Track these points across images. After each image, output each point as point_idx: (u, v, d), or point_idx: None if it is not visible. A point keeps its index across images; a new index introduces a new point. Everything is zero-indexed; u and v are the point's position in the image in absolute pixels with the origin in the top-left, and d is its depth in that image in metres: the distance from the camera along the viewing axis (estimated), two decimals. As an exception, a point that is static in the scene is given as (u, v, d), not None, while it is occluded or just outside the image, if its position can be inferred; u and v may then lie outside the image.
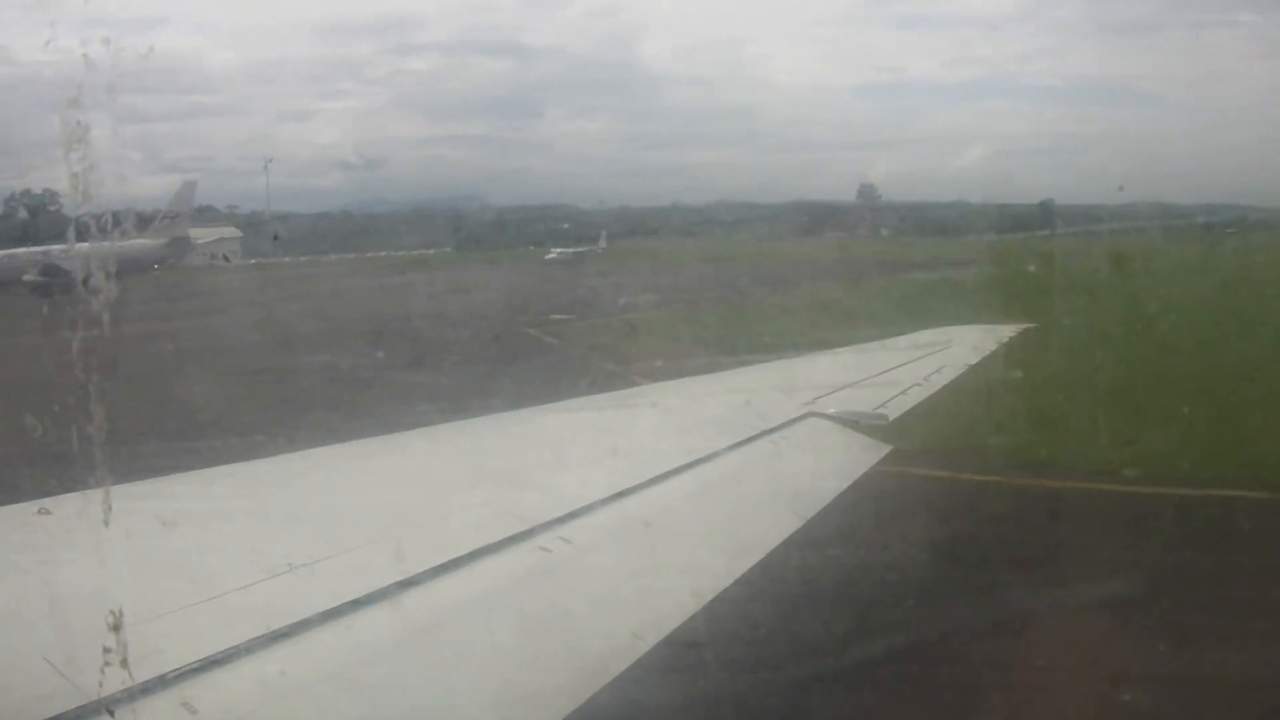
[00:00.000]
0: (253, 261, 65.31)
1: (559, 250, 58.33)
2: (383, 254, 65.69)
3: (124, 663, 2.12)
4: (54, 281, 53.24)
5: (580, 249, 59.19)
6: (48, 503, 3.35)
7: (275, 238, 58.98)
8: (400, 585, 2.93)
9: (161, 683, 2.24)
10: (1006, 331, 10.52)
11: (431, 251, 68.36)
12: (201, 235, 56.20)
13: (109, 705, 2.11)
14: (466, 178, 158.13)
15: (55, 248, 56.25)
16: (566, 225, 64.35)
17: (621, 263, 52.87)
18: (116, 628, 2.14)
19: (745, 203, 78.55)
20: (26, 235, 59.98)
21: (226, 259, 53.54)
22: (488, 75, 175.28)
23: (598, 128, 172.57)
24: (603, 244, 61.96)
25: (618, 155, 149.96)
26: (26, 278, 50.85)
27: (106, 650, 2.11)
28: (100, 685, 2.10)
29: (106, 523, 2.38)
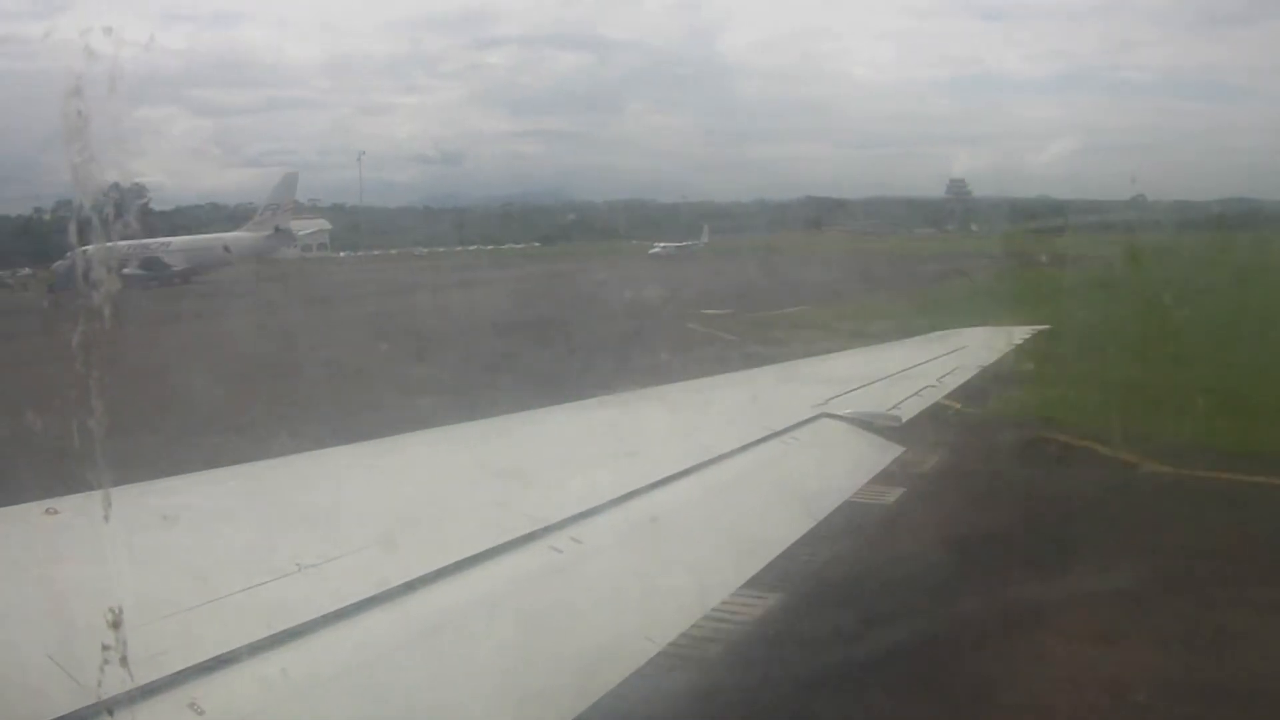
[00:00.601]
0: (341, 254, 65.34)
1: (662, 245, 57.34)
2: (472, 248, 65.21)
3: (124, 662, 2.09)
4: (154, 275, 53.36)
5: (683, 243, 58.15)
6: (54, 503, 3.29)
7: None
8: (407, 586, 2.89)
9: (167, 682, 2.21)
10: (1021, 332, 10.60)
11: (521, 246, 67.91)
12: (298, 228, 56.00)
13: (113, 705, 2.07)
14: (544, 173, 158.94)
15: (154, 240, 56.62)
16: (668, 220, 63.42)
17: (729, 257, 51.24)
18: (117, 626, 2.12)
19: (828, 198, 77.50)
20: (116, 229, 60.07)
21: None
22: (566, 70, 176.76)
23: (677, 122, 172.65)
24: (705, 238, 60.81)
25: (698, 150, 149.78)
26: (125, 270, 50.75)
27: (108, 649, 2.09)
28: (105, 685, 2.07)
29: (109, 521, 2.37)
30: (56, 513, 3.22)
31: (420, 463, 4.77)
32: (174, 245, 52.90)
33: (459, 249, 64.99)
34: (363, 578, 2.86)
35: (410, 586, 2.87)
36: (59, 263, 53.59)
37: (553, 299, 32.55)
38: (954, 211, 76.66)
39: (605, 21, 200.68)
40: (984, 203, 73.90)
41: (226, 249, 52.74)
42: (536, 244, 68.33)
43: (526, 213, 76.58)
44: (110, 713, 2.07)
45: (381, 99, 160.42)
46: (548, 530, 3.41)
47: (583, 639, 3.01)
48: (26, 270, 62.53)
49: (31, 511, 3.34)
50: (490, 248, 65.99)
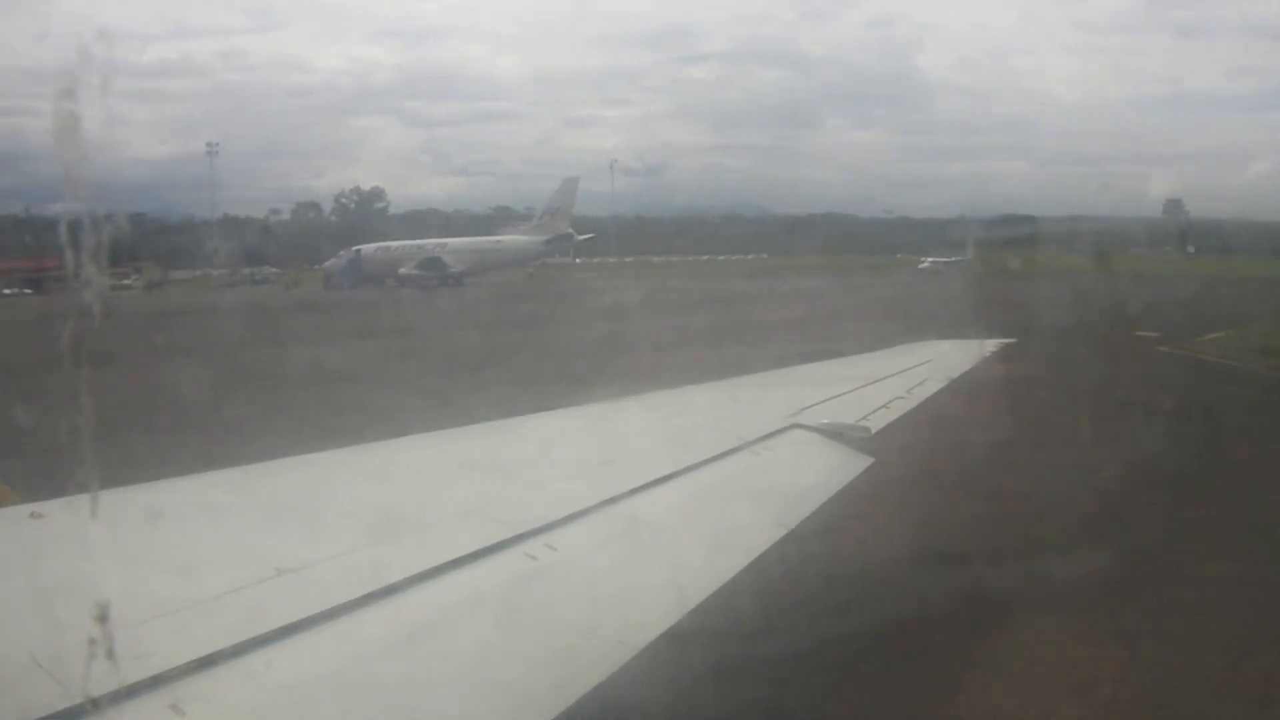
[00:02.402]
0: (577, 261, 66.13)
1: (932, 260, 57.31)
2: (704, 258, 65.30)
3: (107, 662, 2.12)
4: (432, 274, 54.51)
5: (951, 259, 57.78)
6: (40, 507, 3.29)
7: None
8: (387, 590, 2.94)
9: (148, 684, 2.25)
10: (988, 346, 10.63)
11: (750, 257, 67.77)
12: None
13: (95, 705, 2.12)
14: (743, 185, 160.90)
15: (430, 241, 58.01)
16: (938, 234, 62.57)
17: (1011, 275, 49.68)
18: (101, 628, 2.13)
19: (1027, 215, 75.64)
20: (353, 232, 61.82)
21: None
22: (766, 85, 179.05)
23: (873, 138, 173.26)
24: (970, 253, 59.97)
25: (893, 165, 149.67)
26: (402, 270, 52.08)
27: (91, 650, 2.11)
28: (87, 685, 2.11)
29: (96, 526, 2.41)
30: (41, 516, 3.30)
31: (406, 467, 4.97)
32: (451, 246, 54.08)
33: (689, 258, 65.13)
34: (340, 582, 2.94)
35: (391, 590, 2.95)
36: (331, 261, 55.74)
37: (951, 316, 30.78)
38: (1170, 232, 74.39)
39: (804, 39, 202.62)
40: (1195, 223, 71.46)
41: (509, 252, 53.85)
42: (764, 254, 68.03)
43: (735, 224, 76.56)
44: (93, 711, 2.13)
45: (587, 112, 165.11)
46: (521, 538, 3.52)
47: (557, 643, 3.10)
48: (271, 269, 65.01)
49: (17, 514, 3.40)
50: (722, 258, 66.06)
